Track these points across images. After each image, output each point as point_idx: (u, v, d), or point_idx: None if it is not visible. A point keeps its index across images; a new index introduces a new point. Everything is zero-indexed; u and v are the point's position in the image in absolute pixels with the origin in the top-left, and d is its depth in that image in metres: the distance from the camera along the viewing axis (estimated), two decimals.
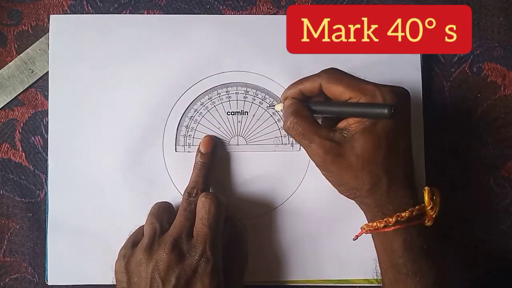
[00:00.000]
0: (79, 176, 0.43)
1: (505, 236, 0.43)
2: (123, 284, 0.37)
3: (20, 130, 0.44)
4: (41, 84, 0.44)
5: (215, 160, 0.42)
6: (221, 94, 0.43)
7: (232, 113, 0.43)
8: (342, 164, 0.35)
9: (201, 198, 0.38)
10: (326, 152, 0.35)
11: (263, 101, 0.43)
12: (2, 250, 0.43)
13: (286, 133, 0.42)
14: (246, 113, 0.43)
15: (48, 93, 0.43)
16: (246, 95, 0.43)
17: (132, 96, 0.43)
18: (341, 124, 0.36)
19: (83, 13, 0.44)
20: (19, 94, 0.44)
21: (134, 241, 0.39)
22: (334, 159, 0.35)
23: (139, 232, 0.40)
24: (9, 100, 0.44)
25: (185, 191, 0.40)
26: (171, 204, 0.41)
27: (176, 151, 0.43)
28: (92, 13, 0.44)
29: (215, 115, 0.43)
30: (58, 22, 0.43)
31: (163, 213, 0.39)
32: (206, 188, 0.41)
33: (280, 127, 0.43)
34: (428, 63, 0.44)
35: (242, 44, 0.43)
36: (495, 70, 0.44)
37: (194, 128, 0.43)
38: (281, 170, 0.43)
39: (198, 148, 0.42)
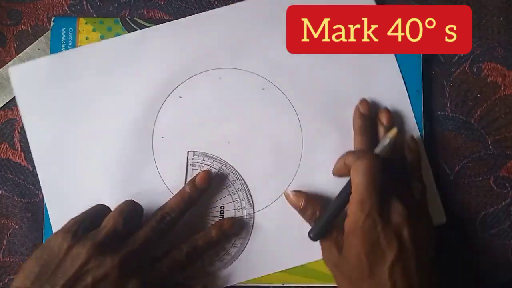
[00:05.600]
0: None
1: (505, 236, 0.43)
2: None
3: (19, 130, 0.44)
4: None
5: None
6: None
7: None
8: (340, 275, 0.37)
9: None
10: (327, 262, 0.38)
11: None
12: (2, 251, 0.43)
13: None
14: None
15: None
16: None
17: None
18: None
19: (83, 13, 0.44)
20: None
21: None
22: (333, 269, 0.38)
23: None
24: (8, 99, 0.44)
25: (159, 210, 0.39)
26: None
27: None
28: (92, 13, 0.44)
29: None
30: (19, 73, 0.42)
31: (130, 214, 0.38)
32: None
33: None
34: (428, 63, 0.44)
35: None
36: (495, 70, 0.44)
37: None
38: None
39: (193, 179, 0.40)
